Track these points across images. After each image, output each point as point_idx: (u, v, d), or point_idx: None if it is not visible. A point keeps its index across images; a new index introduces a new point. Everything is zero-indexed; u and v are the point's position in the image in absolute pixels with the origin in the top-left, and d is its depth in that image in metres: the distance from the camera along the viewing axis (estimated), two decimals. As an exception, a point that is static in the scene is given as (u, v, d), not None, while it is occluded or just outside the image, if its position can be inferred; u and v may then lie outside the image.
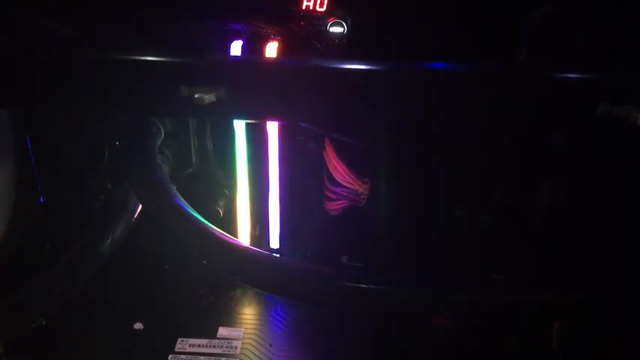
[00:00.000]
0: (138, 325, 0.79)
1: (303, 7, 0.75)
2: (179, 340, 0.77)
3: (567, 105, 0.57)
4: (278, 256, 0.87)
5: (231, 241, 0.71)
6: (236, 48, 0.75)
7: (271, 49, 0.74)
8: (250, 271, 0.69)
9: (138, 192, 0.78)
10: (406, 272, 0.87)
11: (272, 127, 0.80)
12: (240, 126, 0.81)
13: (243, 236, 0.89)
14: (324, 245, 0.89)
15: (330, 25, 0.73)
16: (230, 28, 0.74)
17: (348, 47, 0.74)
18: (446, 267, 0.86)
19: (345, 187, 0.82)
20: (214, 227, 0.72)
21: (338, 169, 0.81)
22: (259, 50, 0.74)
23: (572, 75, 0.56)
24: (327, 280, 0.68)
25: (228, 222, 0.88)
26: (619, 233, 0.74)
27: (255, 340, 0.78)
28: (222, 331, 0.79)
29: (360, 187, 0.82)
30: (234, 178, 0.85)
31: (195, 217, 0.72)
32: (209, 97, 0.57)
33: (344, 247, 0.88)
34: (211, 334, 0.78)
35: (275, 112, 0.64)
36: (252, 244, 0.89)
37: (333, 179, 0.82)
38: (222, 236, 0.71)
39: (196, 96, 0.56)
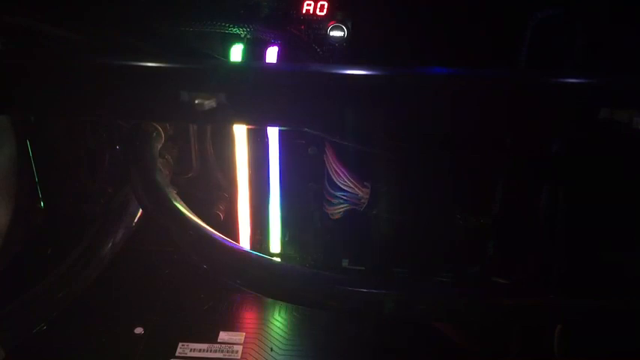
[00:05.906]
0: (138, 330, 0.79)
1: (304, 11, 0.75)
2: (180, 344, 0.77)
3: (568, 110, 0.56)
4: (278, 260, 0.87)
5: (232, 245, 0.71)
6: (236, 53, 0.75)
7: (271, 54, 0.74)
8: (251, 275, 0.69)
9: (138, 196, 0.78)
10: (407, 276, 0.87)
11: (272, 131, 0.80)
12: (240, 130, 0.81)
13: (244, 240, 0.89)
14: (325, 249, 0.88)
15: (331, 30, 0.73)
16: (230, 32, 0.74)
17: (349, 51, 0.74)
18: (447, 270, 0.86)
19: (345, 190, 0.82)
20: (214, 231, 0.71)
21: (338, 173, 0.81)
22: (259, 55, 0.74)
23: (572, 80, 0.56)
24: (328, 284, 0.68)
25: (229, 226, 0.88)
26: (620, 236, 0.74)
27: (256, 344, 0.78)
28: (223, 336, 0.79)
29: (360, 191, 0.82)
30: (235, 182, 0.85)
31: (196, 221, 0.71)
32: (209, 103, 0.57)
33: (345, 250, 0.88)
34: (212, 339, 0.78)
35: (275, 117, 0.63)
36: (252, 248, 0.89)
37: (334, 183, 0.82)
38: (222, 240, 0.70)
39: (197, 101, 0.56)
